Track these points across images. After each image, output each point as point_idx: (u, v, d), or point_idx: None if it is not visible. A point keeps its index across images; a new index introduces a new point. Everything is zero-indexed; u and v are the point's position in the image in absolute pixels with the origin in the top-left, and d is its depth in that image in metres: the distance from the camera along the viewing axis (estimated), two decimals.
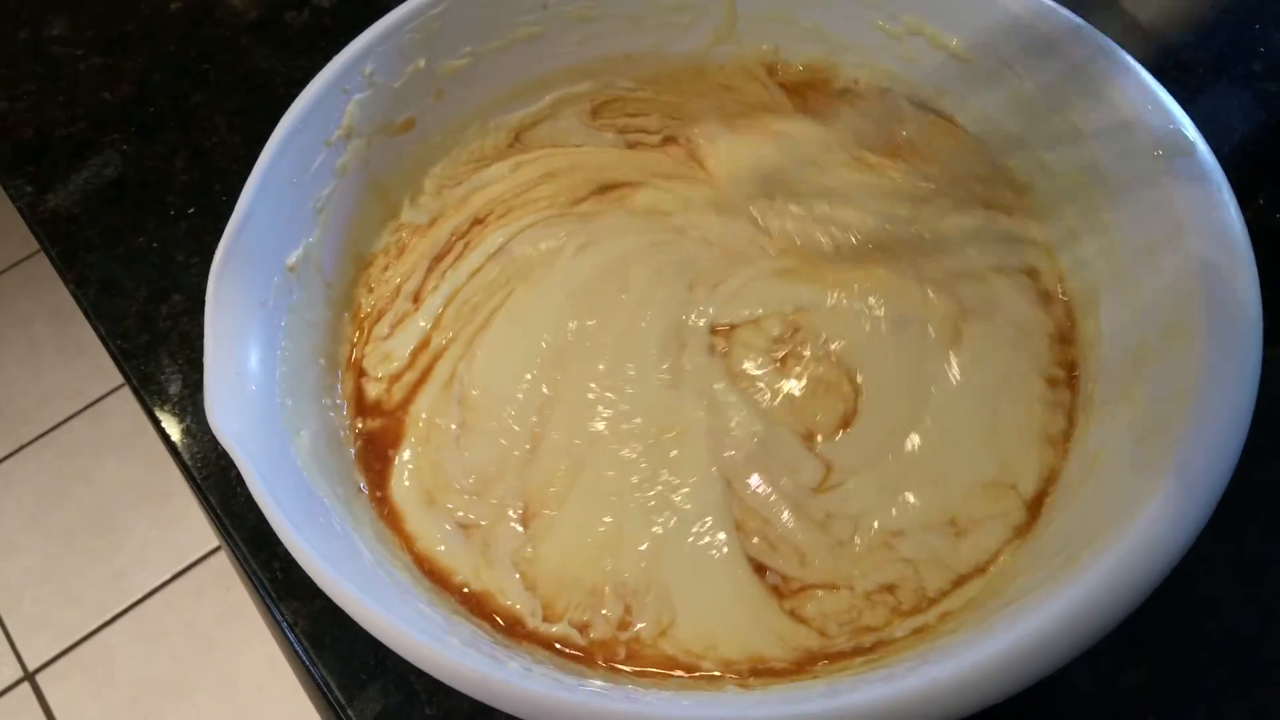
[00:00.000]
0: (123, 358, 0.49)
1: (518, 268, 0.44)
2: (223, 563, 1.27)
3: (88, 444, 1.40)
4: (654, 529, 0.36)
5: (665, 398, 0.40)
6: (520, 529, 0.37)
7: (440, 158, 0.48)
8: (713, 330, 0.41)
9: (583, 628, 0.35)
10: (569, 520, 0.37)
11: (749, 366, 0.40)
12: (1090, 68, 0.38)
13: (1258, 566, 0.38)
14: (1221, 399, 0.29)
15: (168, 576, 1.27)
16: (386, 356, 0.43)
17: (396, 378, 0.42)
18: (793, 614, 0.34)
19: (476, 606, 0.36)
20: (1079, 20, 0.39)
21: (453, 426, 0.40)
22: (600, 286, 0.43)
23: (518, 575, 0.36)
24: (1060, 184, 0.41)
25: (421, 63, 0.45)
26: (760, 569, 0.35)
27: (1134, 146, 0.36)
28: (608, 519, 0.37)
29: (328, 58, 0.43)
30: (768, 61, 0.49)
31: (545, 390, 0.40)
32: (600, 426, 0.39)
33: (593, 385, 0.40)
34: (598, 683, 0.30)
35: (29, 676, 1.21)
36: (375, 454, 0.40)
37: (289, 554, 0.30)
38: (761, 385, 0.40)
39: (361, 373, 0.42)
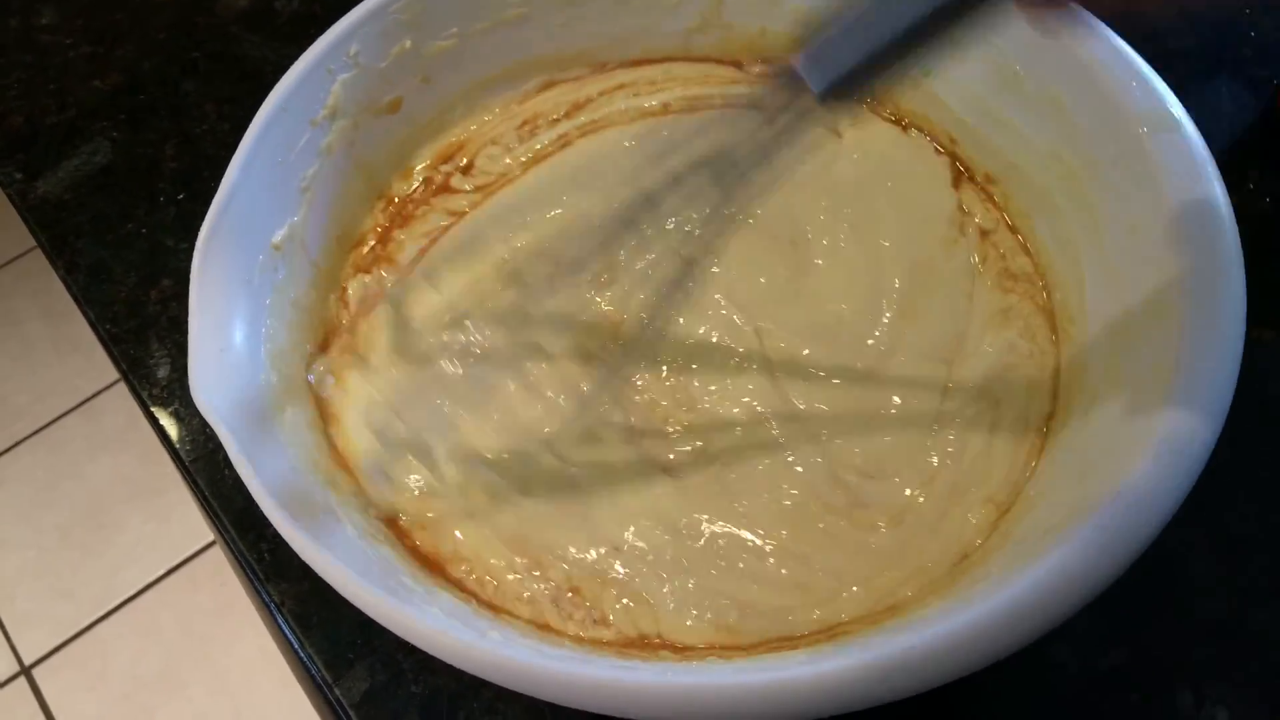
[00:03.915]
0: (112, 343, 0.49)
1: None
2: (216, 558, 1.27)
3: (82, 440, 1.39)
4: None
5: None
6: None
7: (427, 139, 0.48)
8: None
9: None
10: None
11: None
12: (1076, 45, 0.38)
13: (1238, 547, 0.38)
14: (1204, 376, 0.29)
15: (161, 572, 1.27)
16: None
17: None
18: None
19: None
20: None
21: None
22: None
23: None
24: (1044, 161, 0.41)
25: (408, 43, 0.45)
26: None
27: (1118, 123, 0.36)
28: None
29: None
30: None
31: None
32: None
33: None
34: (577, 651, 0.30)
35: (25, 671, 1.20)
36: None
37: (277, 535, 0.30)
38: None
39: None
